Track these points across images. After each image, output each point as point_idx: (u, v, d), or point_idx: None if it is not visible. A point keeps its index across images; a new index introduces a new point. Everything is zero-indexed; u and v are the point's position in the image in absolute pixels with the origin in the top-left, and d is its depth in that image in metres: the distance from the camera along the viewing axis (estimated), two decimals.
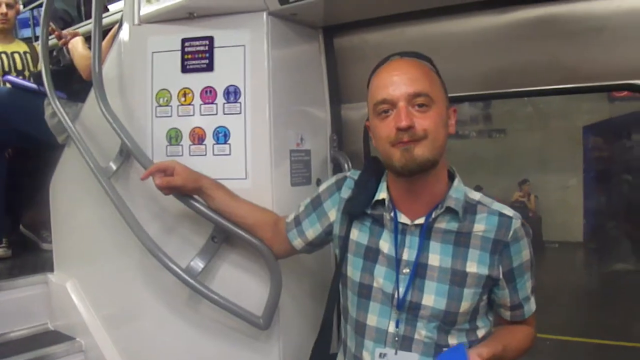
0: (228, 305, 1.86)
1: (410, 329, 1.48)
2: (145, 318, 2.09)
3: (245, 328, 1.89)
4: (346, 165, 2.11)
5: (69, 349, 2.30)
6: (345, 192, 1.65)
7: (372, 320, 1.52)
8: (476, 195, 1.54)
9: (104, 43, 2.19)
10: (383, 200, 1.55)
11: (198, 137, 1.94)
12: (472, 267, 1.46)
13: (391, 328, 1.49)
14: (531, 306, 1.59)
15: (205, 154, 1.93)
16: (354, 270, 1.57)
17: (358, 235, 1.59)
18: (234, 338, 1.94)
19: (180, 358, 2.04)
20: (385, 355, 1.49)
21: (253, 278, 1.91)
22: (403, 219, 1.52)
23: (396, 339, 1.48)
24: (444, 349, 1.46)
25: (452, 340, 1.48)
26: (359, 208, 1.58)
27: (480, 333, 1.53)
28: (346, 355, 1.60)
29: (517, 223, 1.49)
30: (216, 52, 1.93)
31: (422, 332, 1.47)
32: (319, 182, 2.10)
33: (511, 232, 1.48)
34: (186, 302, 1.98)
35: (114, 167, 2.06)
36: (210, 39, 1.93)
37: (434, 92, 1.44)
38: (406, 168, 1.42)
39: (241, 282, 1.93)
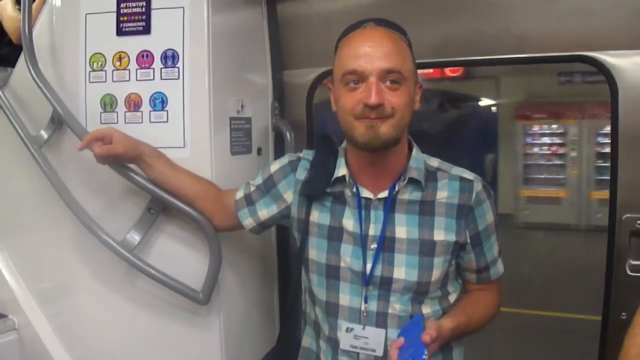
0: (166, 279, 1.80)
1: (383, 304, 1.47)
2: (81, 294, 2.00)
3: (184, 303, 1.83)
4: (288, 134, 2.06)
5: (1, 327, 2.18)
6: (301, 174, 1.60)
7: (344, 300, 1.50)
8: (434, 162, 1.54)
9: (35, 4, 2.05)
10: (343, 176, 1.51)
11: (134, 103, 1.84)
12: (439, 235, 1.46)
13: (364, 306, 1.48)
14: (498, 268, 1.60)
15: (142, 121, 1.84)
16: (318, 252, 1.54)
17: (319, 216, 1.55)
18: (173, 313, 1.88)
19: (117, 334, 1.96)
20: (352, 329, 1.48)
21: (192, 251, 1.84)
22: (365, 193, 1.50)
23: (365, 314, 1.47)
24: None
25: (426, 310, 1.48)
26: (318, 188, 1.54)
27: (452, 298, 1.55)
28: (320, 336, 1.57)
29: (478, 186, 1.50)
30: (153, 14, 1.83)
31: (396, 306, 1.46)
32: (259, 151, 2.04)
33: (474, 196, 1.49)
34: (123, 277, 1.90)
35: (45, 136, 1.95)
36: None
37: (406, 69, 1.40)
38: (369, 145, 1.40)
39: (180, 256, 1.86)
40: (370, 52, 1.38)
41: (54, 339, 2.09)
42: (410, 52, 1.46)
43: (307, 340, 1.64)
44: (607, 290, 1.88)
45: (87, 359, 2.04)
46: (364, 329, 1.47)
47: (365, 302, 1.48)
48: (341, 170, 1.52)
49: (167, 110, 1.82)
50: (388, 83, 1.38)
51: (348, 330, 1.48)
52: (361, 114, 1.38)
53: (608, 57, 1.81)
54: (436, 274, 1.47)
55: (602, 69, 1.83)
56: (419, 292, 1.47)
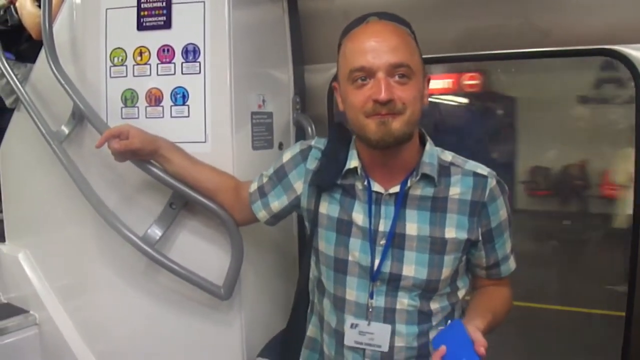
0: (187, 274, 1.79)
1: (391, 300, 1.45)
2: (101, 289, 2.01)
3: (205, 299, 1.82)
4: (309, 129, 2.05)
5: (22, 322, 2.20)
6: (312, 163, 1.57)
7: (351, 294, 1.48)
8: (448, 156, 1.50)
9: (55, 0, 2.06)
10: (354, 168, 1.48)
11: (155, 98, 1.84)
12: (450, 233, 1.43)
13: (370, 301, 1.46)
14: (510, 265, 1.57)
15: (163, 116, 1.83)
16: (326, 244, 1.51)
17: (328, 208, 1.52)
18: (193, 309, 1.88)
19: (138, 330, 1.97)
20: (357, 325, 1.46)
21: (213, 246, 1.84)
22: (377, 187, 1.46)
23: (371, 310, 1.45)
24: (440, 327, 1.45)
25: (434, 305, 1.46)
26: (329, 180, 1.51)
27: (461, 293, 1.53)
28: (324, 329, 1.56)
29: (492, 182, 1.46)
30: (174, 8, 1.82)
31: (405, 301, 1.44)
32: (281, 146, 2.03)
33: (487, 192, 1.45)
34: (144, 272, 1.90)
35: (66, 131, 1.95)
36: None
37: (414, 63, 1.36)
38: (382, 142, 1.36)
39: (201, 251, 1.86)
40: (376, 47, 1.34)
41: (74, 334, 2.10)
42: (417, 44, 1.42)
43: (312, 330, 1.63)
44: (630, 287, 1.86)
45: (107, 354, 2.04)
46: (369, 324, 1.45)
47: (372, 297, 1.45)
48: (353, 162, 1.49)
49: (188, 105, 1.81)
50: (397, 78, 1.34)
51: (353, 326, 1.46)
52: (372, 111, 1.34)
53: (632, 51, 1.79)
54: (446, 271, 1.45)
55: (625, 62, 1.80)
56: (428, 289, 1.45)
